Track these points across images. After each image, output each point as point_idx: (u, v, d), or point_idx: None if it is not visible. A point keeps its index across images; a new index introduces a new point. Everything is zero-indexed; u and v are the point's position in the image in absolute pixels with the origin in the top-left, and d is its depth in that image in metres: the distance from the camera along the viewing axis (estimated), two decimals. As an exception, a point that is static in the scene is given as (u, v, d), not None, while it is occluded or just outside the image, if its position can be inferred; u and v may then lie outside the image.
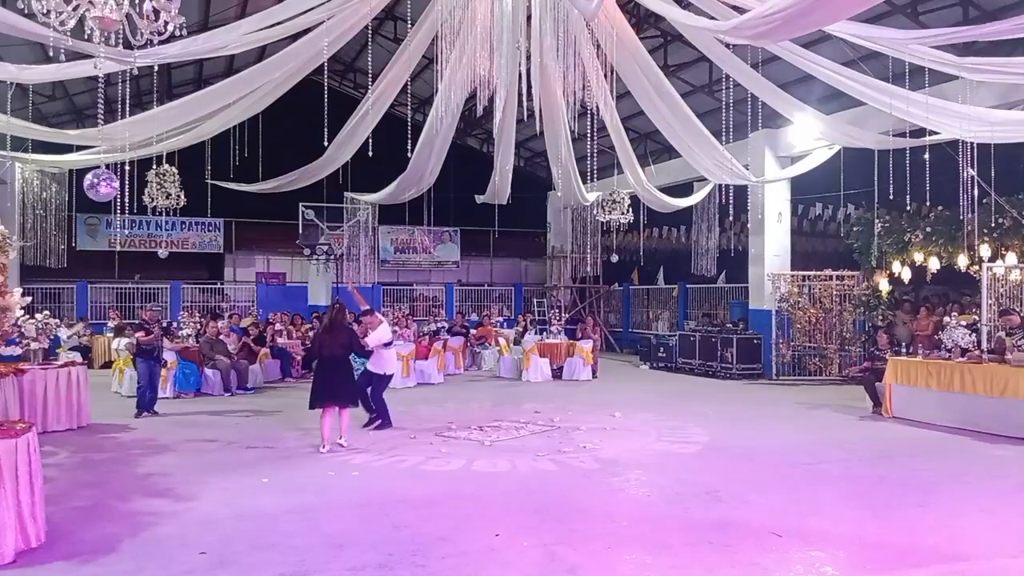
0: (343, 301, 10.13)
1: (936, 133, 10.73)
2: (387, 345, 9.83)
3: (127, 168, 11.58)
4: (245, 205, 20.57)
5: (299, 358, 15.79)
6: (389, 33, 16.56)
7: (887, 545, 5.37)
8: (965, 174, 10.44)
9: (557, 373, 15.53)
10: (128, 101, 10.72)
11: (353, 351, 8.98)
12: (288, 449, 8.56)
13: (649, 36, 14.39)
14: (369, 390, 9.88)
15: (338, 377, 8.55)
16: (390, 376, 10.17)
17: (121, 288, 20.78)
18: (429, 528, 5.70)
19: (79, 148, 14.03)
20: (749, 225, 16.71)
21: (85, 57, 8.74)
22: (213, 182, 16.43)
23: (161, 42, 5.82)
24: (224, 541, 5.35)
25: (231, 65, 18.43)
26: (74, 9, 5.04)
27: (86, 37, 5.48)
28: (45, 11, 5.00)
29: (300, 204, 21.73)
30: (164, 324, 12.38)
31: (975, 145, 10.02)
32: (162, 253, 19.25)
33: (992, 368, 9.49)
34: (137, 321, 12.28)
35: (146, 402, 10.73)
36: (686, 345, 16.85)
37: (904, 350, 11.31)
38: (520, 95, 11.72)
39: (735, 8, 8.90)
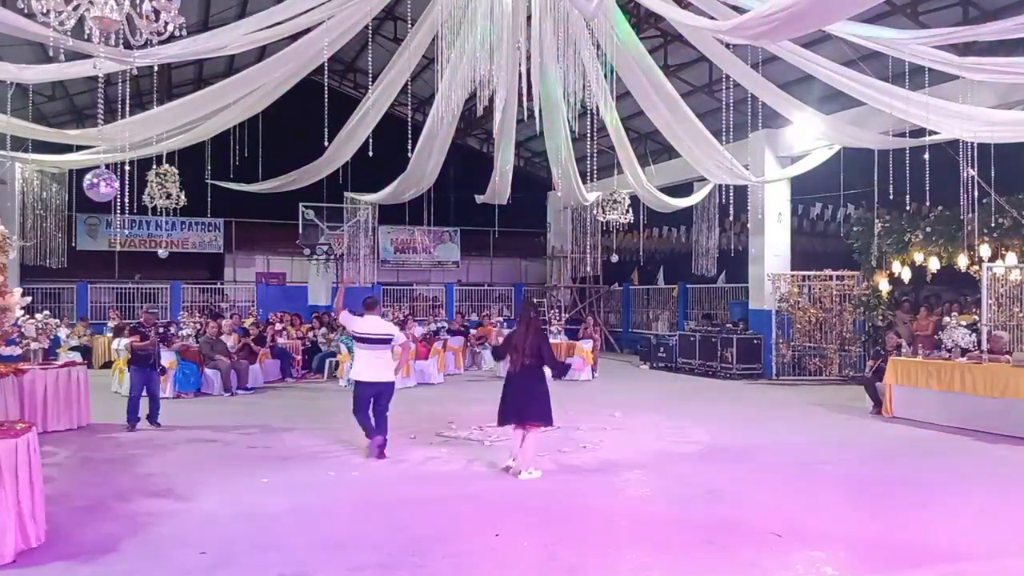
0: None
1: (936, 133, 10.73)
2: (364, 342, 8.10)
3: (127, 168, 11.57)
4: (245, 205, 20.56)
5: (299, 358, 15.83)
6: (389, 33, 16.56)
7: (887, 545, 5.36)
8: (965, 174, 10.43)
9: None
10: (128, 101, 10.73)
11: (544, 362, 7.38)
12: (288, 449, 8.55)
13: (649, 36, 14.39)
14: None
15: (526, 389, 7.29)
16: (361, 384, 8.08)
17: (121, 288, 20.77)
18: (429, 528, 5.69)
19: (79, 148, 14.03)
20: (749, 225, 16.71)
21: (85, 57, 8.74)
22: (213, 182, 16.42)
23: (161, 42, 5.83)
24: (224, 541, 5.34)
25: (231, 65, 18.44)
26: (74, 9, 5.04)
27: (86, 37, 5.48)
28: (45, 11, 5.01)
29: (300, 204, 21.79)
30: (161, 329, 11.46)
31: (975, 145, 10.01)
32: (162, 253, 19.24)
33: (992, 368, 9.49)
34: (134, 322, 12.12)
35: (136, 413, 9.78)
36: (686, 345, 16.85)
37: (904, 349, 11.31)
38: (520, 95, 11.72)
39: (735, 8, 8.90)
